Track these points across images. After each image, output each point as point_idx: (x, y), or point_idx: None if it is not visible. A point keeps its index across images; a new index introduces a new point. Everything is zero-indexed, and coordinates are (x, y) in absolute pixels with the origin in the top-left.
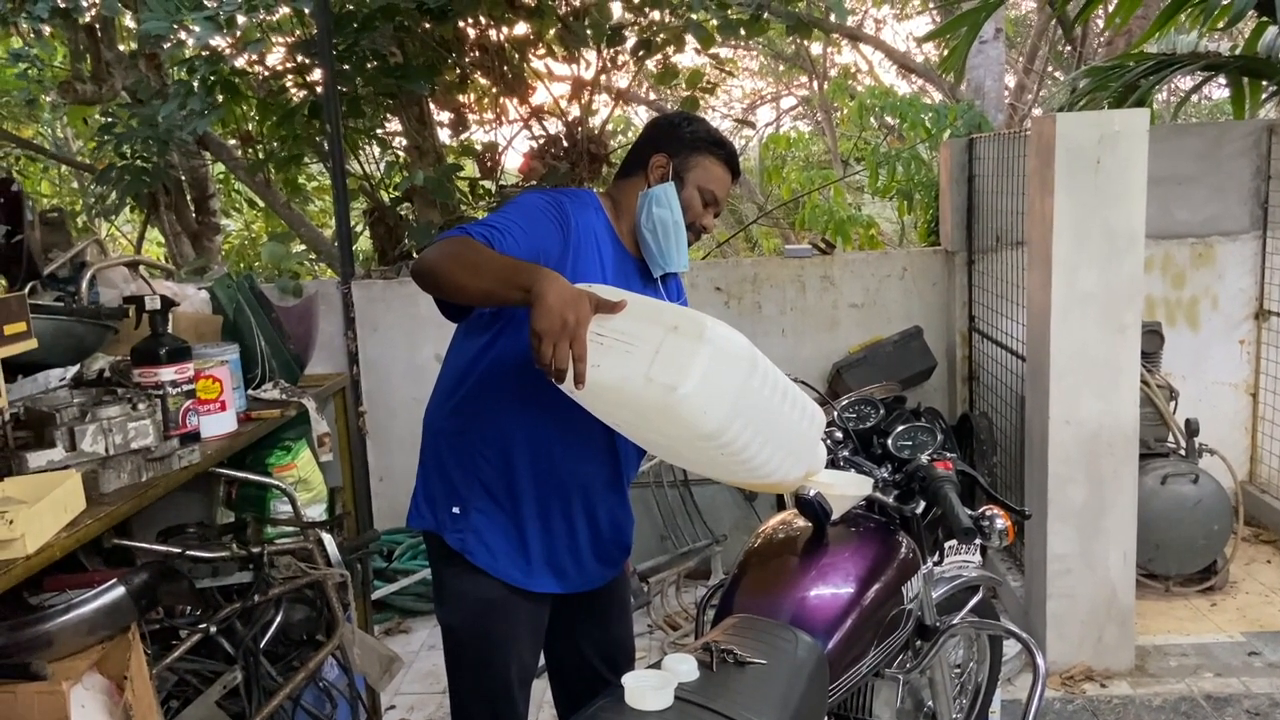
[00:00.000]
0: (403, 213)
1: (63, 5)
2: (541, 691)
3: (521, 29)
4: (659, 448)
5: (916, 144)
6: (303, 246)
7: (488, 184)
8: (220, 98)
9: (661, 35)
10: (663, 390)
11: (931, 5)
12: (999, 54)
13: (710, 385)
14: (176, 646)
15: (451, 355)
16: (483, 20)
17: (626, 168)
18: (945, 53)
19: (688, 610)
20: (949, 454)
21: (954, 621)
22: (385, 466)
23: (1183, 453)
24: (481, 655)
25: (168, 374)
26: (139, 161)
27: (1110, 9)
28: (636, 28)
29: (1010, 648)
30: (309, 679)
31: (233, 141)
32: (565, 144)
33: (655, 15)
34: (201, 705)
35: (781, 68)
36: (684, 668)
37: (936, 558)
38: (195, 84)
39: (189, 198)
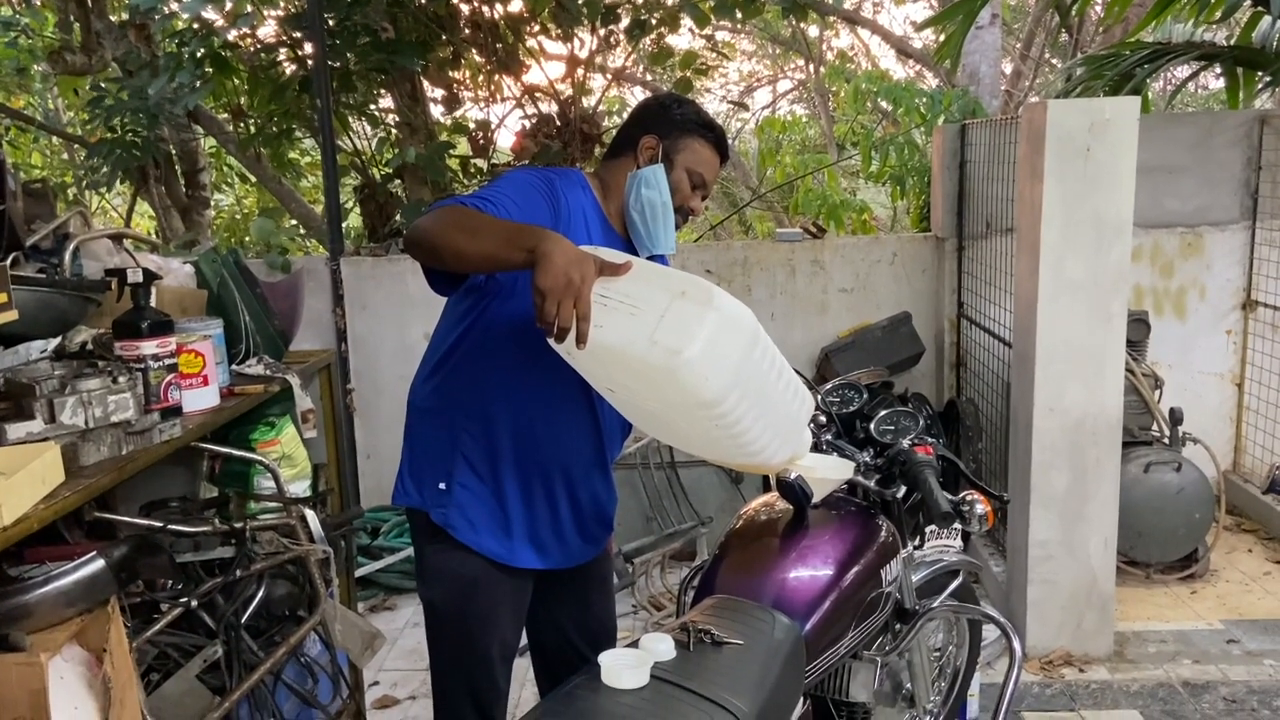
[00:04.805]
0: (394, 190)
1: None
2: (524, 670)
3: (516, 6)
4: (650, 418)
5: (911, 129)
6: (293, 222)
7: (480, 162)
8: (210, 71)
9: (656, 15)
10: (666, 353)
11: None
12: (995, 40)
13: (714, 352)
14: (157, 620)
15: (437, 331)
16: None
17: (615, 148)
18: (942, 39)
19: (672, 591)
20: (930, 439)
21: (933, 605)
22: (373, 445)
23: (1166, 441)
24: (462, 631)
25: (149, 347)
26: (129, 135)
27: None
28: (631, 7)
29: (990, 632)
30: (290, 654)
31: (224, 115)
32: (558, 123)
33: None
34: (182, 679)
35: (777, 51)
36: (661, 647)
37: (917, 542)
38: (185, 57)
39: (179, 171)
